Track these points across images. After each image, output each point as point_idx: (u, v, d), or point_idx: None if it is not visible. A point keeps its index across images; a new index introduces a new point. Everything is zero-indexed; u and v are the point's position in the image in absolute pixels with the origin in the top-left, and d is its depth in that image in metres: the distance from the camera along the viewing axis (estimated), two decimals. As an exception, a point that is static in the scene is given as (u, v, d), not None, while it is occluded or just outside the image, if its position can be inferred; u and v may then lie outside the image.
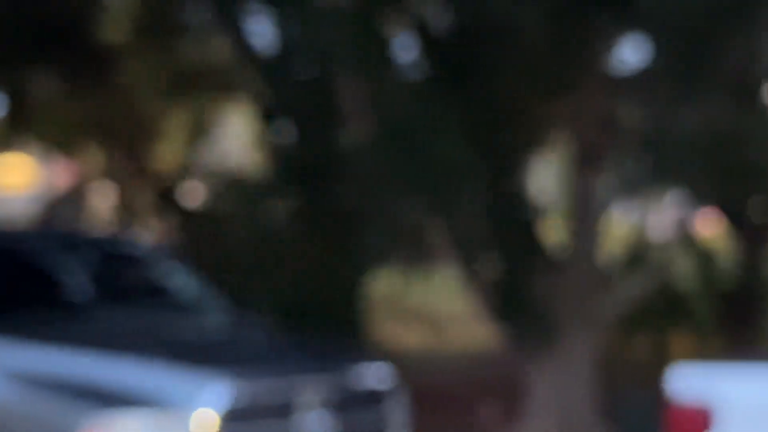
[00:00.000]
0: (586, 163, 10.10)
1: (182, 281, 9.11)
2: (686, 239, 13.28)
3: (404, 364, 13.79)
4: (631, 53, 14.14)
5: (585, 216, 10.14)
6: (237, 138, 17.64)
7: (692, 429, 4.47)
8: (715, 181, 9.92)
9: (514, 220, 10.10)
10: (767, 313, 13.37)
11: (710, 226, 15.36)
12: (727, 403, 4.40)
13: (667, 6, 9.69)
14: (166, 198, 15.47)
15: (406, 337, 15.72)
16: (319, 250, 12.36)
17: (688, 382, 4.65)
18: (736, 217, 12.04)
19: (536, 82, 10.70)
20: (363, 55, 8.91)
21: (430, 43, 10.29)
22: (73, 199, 18.54)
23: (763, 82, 14.18)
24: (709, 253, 13.38)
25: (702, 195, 9.89)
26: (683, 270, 14.59)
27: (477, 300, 10.46)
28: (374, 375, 7.76)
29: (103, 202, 17.49)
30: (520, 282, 10.02)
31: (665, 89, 9.80)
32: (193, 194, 15.88)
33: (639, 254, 12.98)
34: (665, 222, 13.62)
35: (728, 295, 13.01)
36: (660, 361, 12.23)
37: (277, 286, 12.48)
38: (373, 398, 7.66)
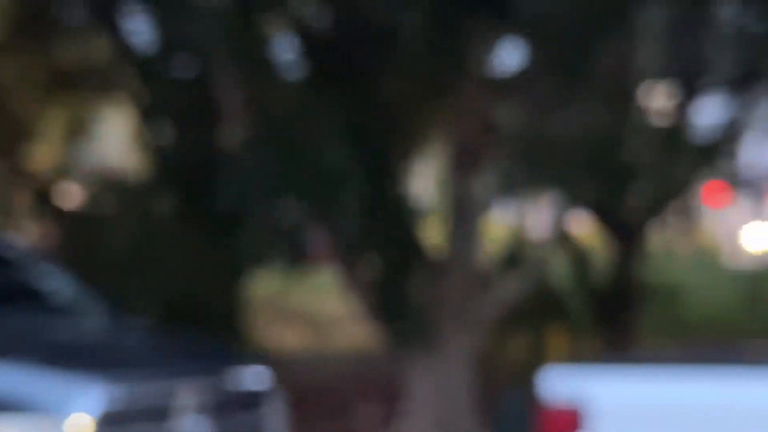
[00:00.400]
0: (464, 164, 10.13)
1: (58, 284, 8.91)
2: (562, 240, 13.43)
3: (284, 365, 13.72)
4: (509, 56, 14.26)
5: (463, 217, 10.17)
6: (116, 138, 17.36)
7: (563, 427, 4.48)
8: (589, 182, 10.03)
9: (393, 221, 10.09)
10: (640, 313, 13.59)
11: (586, 227, 15.57)
12: (598, 404, 4.42)
13: (544, 10, 9.78)
14: (42, 199, 15.16)
15: (287, 338, 15.65)
16: (199, 251, 12.22)
17: (559, 382, 4.67)
18: (609, 217, 12.19)
19: (416, 84, 10.72)
20: (242, 55, 8.82)
21: (310, 44, 10.24)
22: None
23: (638, 85, 14.43)
24: (584, 254, 13.54)
25: (577, 196, 9.99)
26: (559, 270, 14.78)
27: (356, 301, 10.44)
28: (253, 377, 7.68)
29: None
30: (399, 283, 10.01)
31: (542, 92, 9.89)
32: (71, 195, 15.58)
33: (516, 255, 13.10)
34: (543, 222, 13.76)
35: (602, 295, 13.18)
36: (536, 360, 12.35)
37: (156, 287, 12.31)
38: (252, 400, 7.58)
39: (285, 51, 10.78)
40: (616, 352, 11.83)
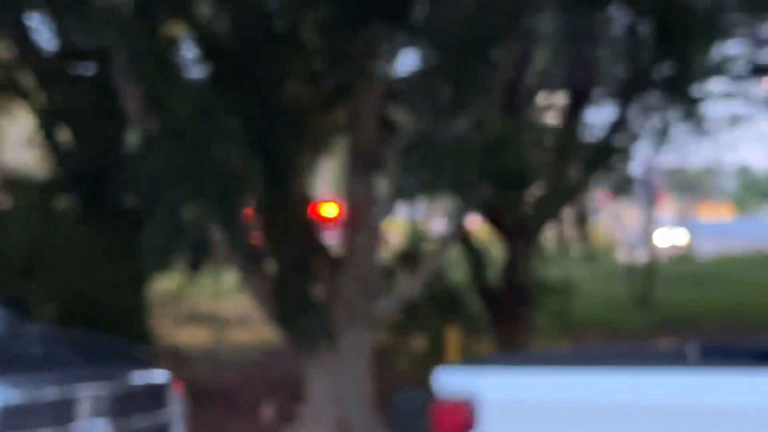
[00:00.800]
0: (363, 166, 10.18)
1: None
2: (459, 240, 13.56)
3: (187, 364, 13.67)
4: (407, 61, 14.32)
5: (363, 218, 10.21)
6: (17, 137, 17.08)
7: (455, 425, 4.55)
8: (483, 185, 10.14)
9: (293, 222, 10.10)
10: (534, 311, 13.76)
11: (482, 228, 15.72)
12: (488, 401, 4.50)
13: (442, 17, 9.86)
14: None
15: (190, 337, 15.55)
16: (101, 251, 12.09)
17: (452, 380, 4.74)
18: (503, 218, 12.33)
19: (316, 87, 10.75)
20: (142, 56, 8.75)
21: (211, 45, 10.21)
22: None
23: (532, 91, 14.62)
24: (480, 253, 13.67)
25: (471, 198, 10.09)
26: (457, 270, 14.90)
27: (257, 301, 10.43)
28: (153, 377, 7.62)
29: None
30: (298, 282, 10.03)
31: (438, 96, 9.98)
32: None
33: (414, 254, 13.20)
34: (441, 223, 13.87)
35: (497, 294, 13.32)
36: (434, 358, 12.44)
37: (57, 288, 12.15)
38: (152, 400, 7.52)
39: (186, 53, 10.74)
40: (508, 351, 11.98)
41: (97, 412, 6.95)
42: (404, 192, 10.14)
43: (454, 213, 10.85)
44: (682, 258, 38.88)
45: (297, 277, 10.01)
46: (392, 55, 11.73)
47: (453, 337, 11.51)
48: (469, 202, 10.25)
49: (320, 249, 10.46)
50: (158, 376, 7.63)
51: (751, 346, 6.07)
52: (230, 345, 16.66)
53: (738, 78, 24.17)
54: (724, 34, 19.12)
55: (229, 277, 13.15)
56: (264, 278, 10.22)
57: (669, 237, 47.86)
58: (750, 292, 25.28)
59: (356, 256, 10.22)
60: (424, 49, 10.47)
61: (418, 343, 13.62)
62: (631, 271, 23.73)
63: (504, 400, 4.59)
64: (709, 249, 42.31)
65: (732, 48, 23.68)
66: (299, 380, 10.79)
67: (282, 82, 10.27)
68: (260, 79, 9.63)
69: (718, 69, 20.68)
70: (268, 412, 12.00)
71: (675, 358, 5.71)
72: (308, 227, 10.37)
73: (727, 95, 28.71)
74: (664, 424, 4.25)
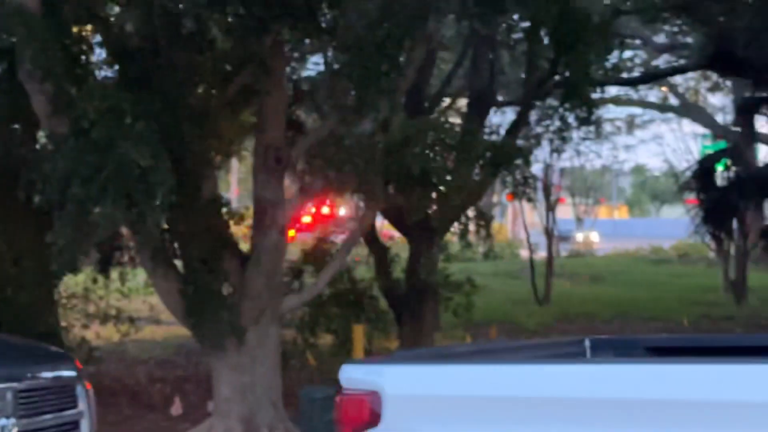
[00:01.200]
0: (272, 167, 10.16)
1: None
2: (366, 239, 13.61)
3: (97, 362, 13.52)
4: (314, 63, 14.31)
5: (272, 218, 10.20)
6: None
7: (360, 419, 4.58)
8: (387, 184, 10.20)
9: (202, 221, 10.05)
10: (437, 309, 13.85)
11: (388, 227, 15.78)
12: (393, 394, 4.53)
13: (347, 20, 9.89)
14: None
15: (100, 334, 15.37)
16: (9, 249, 11.90)
17: (358, 374, 4.77)
18: (405, 218, 12.38)
19: (224, 88, 10.70)
20: (50, 56, 8.63)
21: (119, 46, 10.11)
22: None
23: (435, 94, 14.73)
24: (385, 252, 13.74)
25: (376, 197, 10.14)
26: (364, 268, 14.94)
27: (165, 298, 10.36)
28: (62, 375, 7.51)
29: None
30: (207, 280, 9.98)
31: (344, 98, 10.00)
32: None
33: (323, 253, 13.21)
34: (349, 222, 13.89)
35: (402, 293, 13.39)
36: (342, 354, 12.47)
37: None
38: (60, 398, 7.41)
39: (95, 52, 10.62)
40: (413, 347, 12.05)
41: (4, 411, 6.82)
42: (311, 192, 10.14)
43: (363, 212, 10.88)
44: (581, 256, 39.44)
45: (206, 274, 9.96)
46: (299, 56, 11.73)
47: (359, 334, 11.54)
48: (374, 202, 10.29)
49: (229, 247, 10.42)
50: (67, 373, 7.53)
51: (643, 339, 6.20)
52: (140, 342, 16.51)
53: (634, 83, 24.66)
54: (621, 40, 19.49)
55: (140, 275, 13.02)
56: (173, 276, 10.15)
57: (569, 236, 48.67)
58: (643, 288, 25.76)
59: (264, 254, 10.20)
60: (330, 51, 10.49)
61: (326, 339, 13.64)
62: (532, 268, 23.98)
63: (407, 394, 4.63)
64: (606, 247, 42.99)
65: (629, 54, 24.14)
66: (208, 377, 10.74)
67: (190, 82, 10.21)
68: (168, 80, 9.56)
69: (616, 74, 21.06)
70: (176, 408, 11.92)
71: (571, 352, 5.81)
72: (217, 226, 10.32)
73: (624, 99, 29.25)
74: (560, 416, 4.32)
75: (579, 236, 49.80)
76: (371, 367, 4.95)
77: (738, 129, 20.21)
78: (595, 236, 52.46)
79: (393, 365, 4.86)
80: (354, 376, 4.81)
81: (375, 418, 4.60)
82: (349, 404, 4.71)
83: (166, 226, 9.79)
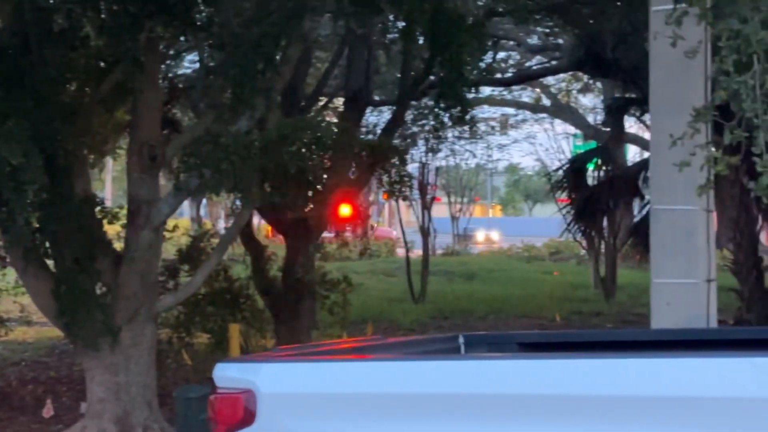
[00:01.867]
0: (146, 165, 10.04)
1: None
2: (242, 238, 13.53)
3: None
4: (190, 61, 14.20)
5: (146, 216, 10.07)
6: None
7: (234, 417, 4.54)
8: (263, 183, 10.16)
9: (75, 220, 9.87)
10: (315, 307, 13.85)
11: (266, 226, 15.72)
12: (267, 392, 4.51)
13: (223, 18, 9.83)
14: None
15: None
16: None
17: (232, 373, 4.74)
18: (282, 216, 12.36)
19: (98, 85, 10.53)
20: None
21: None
22: None
23: (312, 93, 14.72)
24: (262, 252, 13.68)
25: (252, 196, 10.09)
26: (240, 267, 14.86)
27: (37, 298, 10.17)
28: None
29: None
30: (80, 280, 9.81)
31: (219, 97, 9.94)
32: None
33: (198, 251, 13.09)
34: (223, 221, 13.79)
35: (278, 291, 13.35)
36: (218, 353, 12.38)
37: None
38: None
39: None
40: (290, 345, 12.00)
41: None
42: (186, 190, 10.05)
43: (236, 211, 10.82)
44: (457, 254, 39.82)
45: (78, 274, 9.79)
46: (175, 54, 11.62)
47: (235, 333, 11.47)
48: (250, 201, 10.24)
49: (102, 246, 10.26)
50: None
51: (515, 335, 6.30)
52: (11, 344, 16.15)
53: (508, 83, 24.99)
54: (495, 41, 19.74)
55: (10, 275, 12.75)
56: (44, 276, 9.97)
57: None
58: (517, 286, 26.12)
59: (139, 252, 10.08)
60: (206, 49, 10.41)
61: (202, 339, 13.53)
62: (408, 267, 24.13)
63: (281, 392, 4.61)
64: (481, 245, 43.51)
65: (503, 55, 24.46)
66: (82, 378, 10.56)
67: (63, 79, 10.02)
68: (40, 77, 9.38)
69: (490, 74, 21.32)
70: (48, 410, 11.70)
71: (445, 349, 5.87)
72: (90, 225, 10.15)
73: (498, 99, 29.62)
74: (435, 411, 4.35)
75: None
76: (245, 365, 4.93)
77: (608, 129, 20.60)
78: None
79: (267, 363, 4.84)
80: (228, 374, 4.77)
81: (249, 417, 4.57)
82: (223, 403, 4.67)
83: (37, 225, 9.60)
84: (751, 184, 6.71)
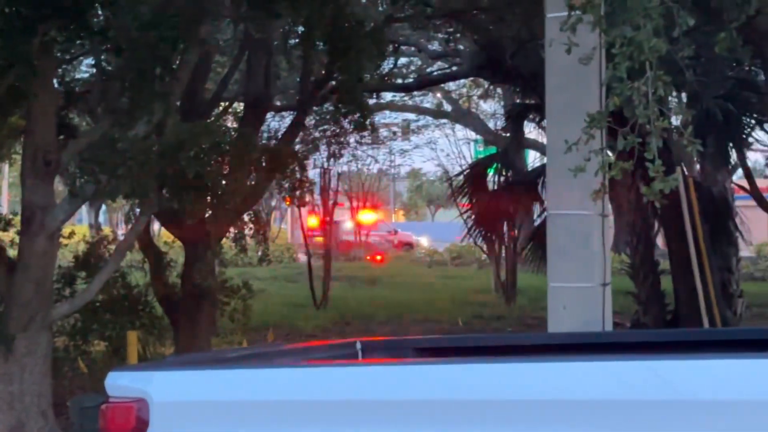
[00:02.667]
0: (41, 171, 9.86)
1: None
2: (140, 243, 13.36)
3: None
4: (86, 64, 13.98)
5: (40, 223, 9.89)
6: None
7: (126, 426, 4.48)
8: (161, 188, 10.04)
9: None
10: (214, 313, 13.73)
11: (164, 231, 15.55)
12: (161, 401, 4.45)
13: (120, 21, 9.69)
14: None
15: None
16: None
17: (125, 381, 4.67)
18: (180, 222, 12.22)
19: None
20: None
21: None
22: None
23: (211, 98, 14.60)
24: (161, 257, 13.53)
25: (150, 202, 9.97)
26: (139, 273, 14.67)
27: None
28: None
29: None
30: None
31: (116, 101, 9.81)
32: None
33: (95, 257, 12.90)
34: (121, 227, 13.61)
35: (177, 298, 13.21)
36: (115, 361, 12.20)
37: None
38: None
39: None
40: (189, 352, 11.89)
41: None
42: (82, 196, 9.89)
43: (134, 217, 10.68)
44: (359, 259, 39.87)
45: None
46: (70, 58, 11.43)
47: (133, 340, 11.31)
48: (147, 206, 10.12)
49: (-3, 253, 10.06)
50: None
51: (412, 340, 6.31)
52: None
53: (410, 89, 25.11)
54: (396, 46, 19.81)
55: None
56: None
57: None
58: (418, 291, 26.25)
59: (33, 259, 9.89)
60: (103, 52, 10.26)
61: (99, 347, 13.33)
62: (310, 272, 24.08)
63: (175, 401, 4.56)
64: (388, 250, 43.61)
65: (404, 60, 24.57)
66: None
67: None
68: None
69: (391, 80, 21.40)
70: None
71: (343, 354, 5.85)
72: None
73: (400, 105, 29.75)
74: (332, 418, 4.34)
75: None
76: (138, 373, 4.86)
77: (508, 135, 20.81)
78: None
79: (160, 371, 4.78)
80: (120, 383, 4.70)
81: (142, 426, 4.51)
82: (114, 412, 4.60)
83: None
84: (644, 189, 6.82)
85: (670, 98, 12.91)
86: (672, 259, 14.49)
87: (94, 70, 11.30)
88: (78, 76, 13.48)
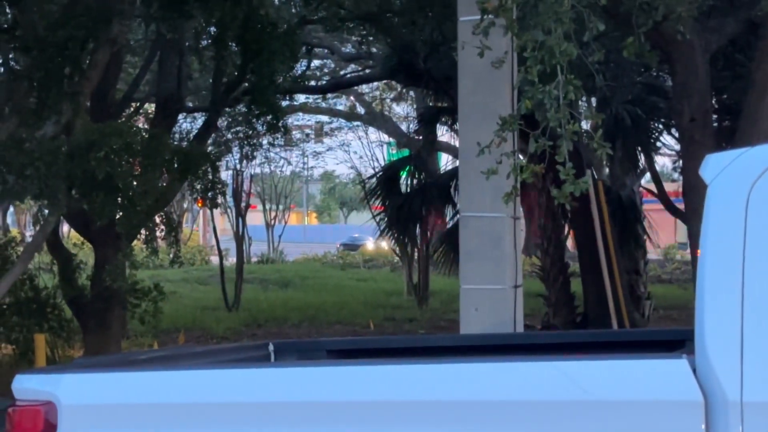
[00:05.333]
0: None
1: None
2: (48, 245, 13.16)
3: None
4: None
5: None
6: None
7: (32, 430, 4.40)
8: (69, 189, 9.90)
9: None
10: (124, 315, 13.58)
11: (73, 233, 15.33)
12: (68, 404, 4.38)
13: (28, 19, 9.55)
14: None
15: None
16: None
17: (31, 384, 4.58)
18: (90, 224, 12.06)
19: None
20: None
21: None
22: None
23: (122, 98, 14.44)
24: (70, 259, 13.33)
25: (58, 203, 9.82)
26: (47, 275, 14.45)
27: None
28: None
29: None
30: None
31: (25, 100, 9.66)
32: None
33: (3, 260, 12.68)
34: (29, 228, 13.37)
35: (86, 300, 13.03)
36: (23, 365, 12.00)
37: None
38: None
39: None
40: (98, 355, 11.74)
41: None
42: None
43: (42, 218, 10.52)
44: (272, 261, 39.72)
45: None
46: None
47: (41, 343, 11.14)
48: (56, 207, 9.96)
49: None
50: None
51: (325, 342, 6.30)
52: None
53: (323, 91, 25.08)
54: (309, 49, 19.77)
55: None
56: None
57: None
58: (331, 293, 26.22)
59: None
60: (10, 50, 10.10)
61: (7, 350, 13.11)
62: (222, 274, 23.93)
63: (84, 404, 4.48)
64: (295, 252, 43.50)
65: (318, 63, 24.55)
66: None
67: None
68: None
69: (304, 82, 21.35)
70: None
71: (255, 356, 5.82)
72: None
73: (313, 107, 29.71)
74: (244, 420, 4.31)
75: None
76: (46, 376, 4.76)
77: (420, 138, 20.90)
78: (281, 241, 52.82)
79: (69, 374, 4.69)
80: (28, 386, 4.61)
81: (50, 429, 4.42)
82: (22, 416, 4.50)
83: None
84: (555, 192, 6.88)
85: (580, 102, 13.07)
86: (582, 262, 14.69)
87: (1, 69, 11.11)
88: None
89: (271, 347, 5.95)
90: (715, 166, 4.09)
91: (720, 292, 3.92)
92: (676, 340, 5.19)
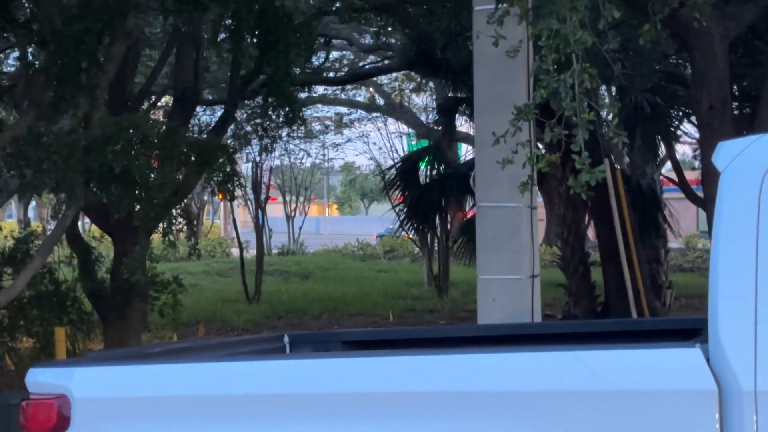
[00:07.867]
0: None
1: None
2: (68, 238, 13.19)
3: None
4: (17, 59, 13.76)
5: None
6: None
7: (47, 423, 4.40)
8: (88, 182, 9.92)
9: None
10: (144, 308, 13.61)
11: (93, 226, 15.37)
12: (82, 397, 4.38)
13: (45, 13, 9.56)
14: None
15: None
16: None
17: (46, 377, 4.59)
18: (108, 217, 12.07)
19: None
20: None
21: None
22: None
23: (139, 91, 14.46)
24: (89, 252, 13.36)
25: (76, 196, 9.83)
26: (68, 268, 14.49)
27: None
28: None
29: None
30: None
31: (42, 95, 9.67)
32: None
33: (22, 254, 12.72)
34: (49, 221, 13.41)
35: (106, 293, 13.06)
36: (43, 357, 12.04)
37: None
38: None
39: None
40: (118, 348, 11.78)
41: None
42: (7, 191, 9.74)
43: (61, 211, 10.54)
44: (292, 253, 39.75)
45: None
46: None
47: (61, 337, 11.16)
48: (74, 201, 9.98)
49: None
50: None
51: (340, 334, 6.29)
52: None
53: (342, 82, 25.07)
54: (327, 40, 19.75)
55: None
56: None
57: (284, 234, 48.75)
58: (351, 284, 26.21)
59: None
60: (28, 45, 10.12)
61: (27, 343, 13.14)
62: (242, 267, 23.94)
63: (97, 397, 4.49)
64: (316, 244, 43.50)
65: (336, 54, 24.52)
66: None
67: None
68: None
69: (323, 73, 21.34)
70: None
71: (270, 349, 5.82)
72: None
73: (332, 99, 29.69)
74: (259, 412, 4.30)
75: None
76: (60, 369, 4.77)
77: (439, 128, 20.86)
78: (303, 233, 52.72)
79: (82, 367, 4.70)
80: (41, 379, 4.62)
81: (63, 423, 4.43)
82: (35, 409, 4.51)
83: None
84: (571, 181, 6.85)
85: (600, 91, 13.01)
86: (602, 251, 14.62)
87: (19, 63, 11.14)
88: (5, 69, 13.28)
89: (286, 339, 5.94)
90: (727, 153, 4.06)
91: (733, 279, 3.89)
92: (694, 329, 5.16)
